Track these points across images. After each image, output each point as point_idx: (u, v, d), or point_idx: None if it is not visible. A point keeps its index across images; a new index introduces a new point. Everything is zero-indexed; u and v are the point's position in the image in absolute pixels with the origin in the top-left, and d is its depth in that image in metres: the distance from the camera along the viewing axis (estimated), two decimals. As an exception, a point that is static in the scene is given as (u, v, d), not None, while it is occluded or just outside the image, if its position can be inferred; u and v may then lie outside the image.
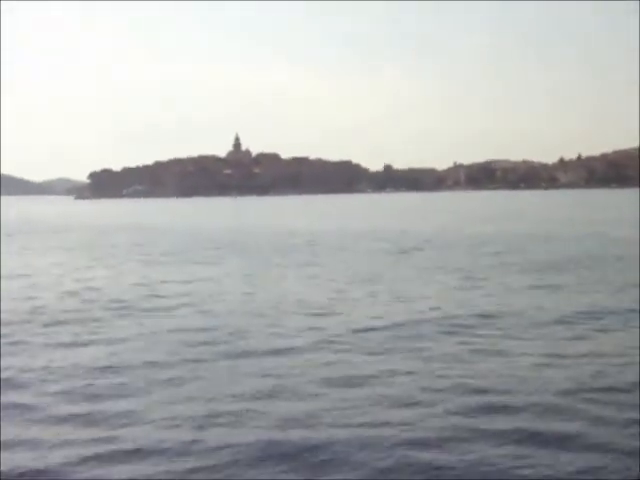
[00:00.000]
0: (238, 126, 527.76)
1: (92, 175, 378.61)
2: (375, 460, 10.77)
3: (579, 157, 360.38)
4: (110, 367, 16.06)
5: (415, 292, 26.74)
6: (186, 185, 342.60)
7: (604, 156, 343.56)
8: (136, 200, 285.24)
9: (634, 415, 12.21)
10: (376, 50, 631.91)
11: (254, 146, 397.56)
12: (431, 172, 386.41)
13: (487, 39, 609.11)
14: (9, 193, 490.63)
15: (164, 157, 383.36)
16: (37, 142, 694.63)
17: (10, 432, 12.01)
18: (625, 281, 27.97)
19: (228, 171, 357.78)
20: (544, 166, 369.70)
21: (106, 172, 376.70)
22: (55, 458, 11.03)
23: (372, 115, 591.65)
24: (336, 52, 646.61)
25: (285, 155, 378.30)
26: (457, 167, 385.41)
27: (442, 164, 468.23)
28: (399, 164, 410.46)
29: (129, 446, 11.39)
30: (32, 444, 11.57)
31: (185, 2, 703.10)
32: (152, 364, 16.27)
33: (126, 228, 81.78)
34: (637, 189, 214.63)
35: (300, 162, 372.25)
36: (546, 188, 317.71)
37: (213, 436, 11.75)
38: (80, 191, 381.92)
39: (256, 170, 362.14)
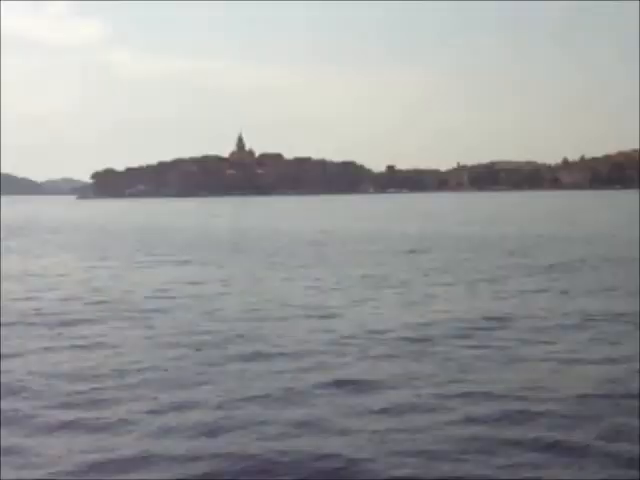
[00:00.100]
0: (241, 126, 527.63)
1: (95, 175, 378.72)
2: (389, 468, 10.44)
3: (582, 158, 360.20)
4: (116, 370, 15.74)
5: (426, 294, 26.38)
6: (189, 185, 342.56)
7: (608, 157, 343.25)
8: (139, 200, 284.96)
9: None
10: (379, 51, 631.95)
11: (257, 146, 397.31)
12: (434, 173, 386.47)
13: (490, 40, 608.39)
14: (11, 193, 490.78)
15: (167, 157, 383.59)
16: (39, 142, 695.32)
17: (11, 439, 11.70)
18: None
19: (231, 171, 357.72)
20: (547, 167, 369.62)
21: (109, 172, 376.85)
22: (60, 466, 10.71)
23: (376, 116, 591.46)
24: (338, 53, 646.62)
25: (288, 155, 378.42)
26: (460, 168, 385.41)
27: (445, 165, 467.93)
28: (402, 165, 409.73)
29: (134, 453, 11.06)
30: (34, 451, 11.25)
31: (187, 2, 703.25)
32: (159, 367, 15.96)
33: (130, 229, 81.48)
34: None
35: (303, 162, 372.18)
36: (549, 189, 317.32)
37: (222, 443, 11.42)
38: (83, 191, 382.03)
39: (259, 170, 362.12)
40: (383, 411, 12.74)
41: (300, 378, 14.89)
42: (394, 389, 14.07)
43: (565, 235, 55.42)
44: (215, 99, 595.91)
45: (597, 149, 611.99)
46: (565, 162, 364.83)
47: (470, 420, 12.20)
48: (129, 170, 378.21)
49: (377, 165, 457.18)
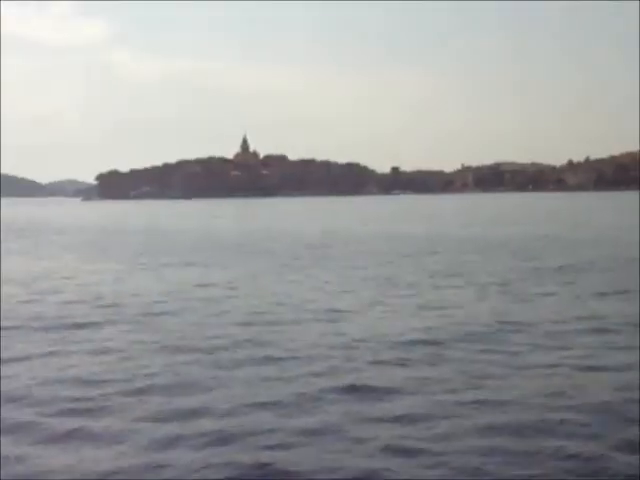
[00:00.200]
0: (246, 127, 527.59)
1: (100, 176, 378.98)
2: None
3: (587, 159, 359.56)
4: (124, 375, 15.50)
5: (436, 297, 26.02)
6: (193, 187, 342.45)
7: (613, 158, 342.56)
8: (143, 202, 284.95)
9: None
10: (381, 51, 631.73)
11: (262, 147, 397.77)
12: (439, 174, 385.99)
13: (491, 40, 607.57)
14: (15, 194, 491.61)
15: (171, 158, 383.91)
16: (43, 143, 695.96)
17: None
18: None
19: (236, 172, 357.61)
20: (552, 168, 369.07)
21: (114, 173, 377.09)
22: (64, 476, 10.46)
23: (380, 117, 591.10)
24: (341, 53, 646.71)
25: (293, 156, 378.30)
26: (465, 169, 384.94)
27: (450, 166, 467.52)
28: (407, 166, 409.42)
29: (142, 462, 10.81)
30: (37, 461, 10.98)
31: (191, 2, 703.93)
32: (166, 372, 15.70)
33: (136, 231, 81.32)
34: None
35: (308, 163, 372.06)
36: (554, 190, 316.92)
37: (232, 451, 11.18)
38: (87, 192, 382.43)
39: (264, 172, 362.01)
40: (397, 419, 12.45)
41: (311, 383, 14.61)
42: (408, 395, 13.77)
43: (572, 237, 55.16)
44: (219, 100, 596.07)
45: (602, 150, 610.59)
46: (570, 163, 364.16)
47: (486, 429, 11.89)
48: (133, 172, 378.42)
49: (381, 166, 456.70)
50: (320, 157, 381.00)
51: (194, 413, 12.92)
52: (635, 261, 35.80)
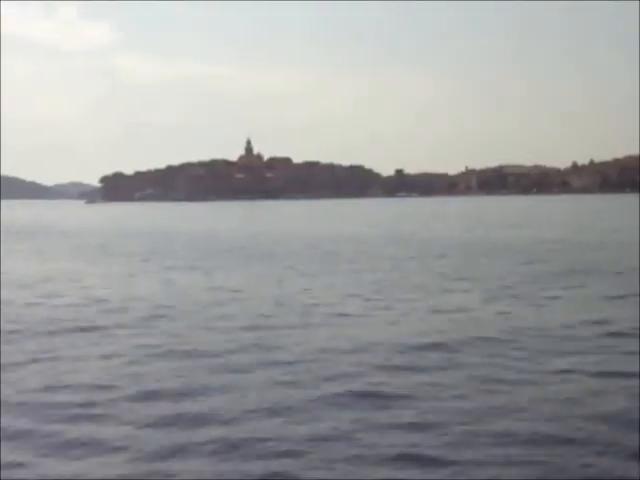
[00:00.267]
0: (250, 130, 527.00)
1: (104, 179, 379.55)
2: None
3: (592, 162, 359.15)
4: (129, 380, 15.28)
5: (446, 301, 25.65)
6: (198, 189, 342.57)
7: (617, 161, 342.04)
8: (148, 204, 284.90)
9: None
10: (385, 53, 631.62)
11: (266, 150, 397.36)
12: (443, 177, 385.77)
13: (495, 42, 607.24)
14: (20, 197, 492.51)
15: (176, 161, 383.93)
16: (48, 146, 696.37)
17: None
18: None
19: (240, 175, 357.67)
20: (556, 171, 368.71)
21: (118, 176, 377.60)
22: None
23: (382, 119, 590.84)
24: (345, 55, 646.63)
25: (297, 159, 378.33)
26: (469, 172, 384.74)
27: (454, 169, 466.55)
28: (411, 169, 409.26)
29: (146, 471, 10.60)
30: (38, 470, 10.76)
31: (195, 2, 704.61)
32: (175, 376, 15.48)
33: (141, 233, 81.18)
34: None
35: (312, 166, 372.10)
36: (558, 193, 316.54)
37: (239, 460, 10.93)
38: (92, 195, 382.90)
39: (268, 174, 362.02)
40: (409, 425, 12.17)
41: (320, 389, 14.34)
42: (420, 401, 13.48)
43: (579, 240, 54.83)
44: (223, 103, 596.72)
45: (606, 153, 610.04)
46: (574, 166, 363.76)
47: (500, 436, 11.59)
48: (137, 174, 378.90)
49: (386, 169, 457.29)
50: (324, 160, 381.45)
51: (202, 419, 12.68)
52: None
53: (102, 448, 11.46)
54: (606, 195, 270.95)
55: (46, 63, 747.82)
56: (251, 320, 22.10)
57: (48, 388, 14.69)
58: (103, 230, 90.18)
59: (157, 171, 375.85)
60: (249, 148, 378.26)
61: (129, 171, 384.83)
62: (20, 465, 10.80)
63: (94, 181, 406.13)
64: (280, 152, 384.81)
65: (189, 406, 13.39)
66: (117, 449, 11.39)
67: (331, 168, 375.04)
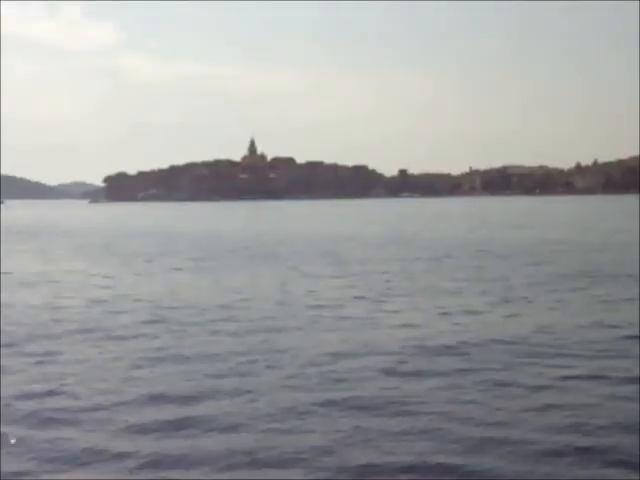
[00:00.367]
0: (253, 130, 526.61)
1: (107, 179, 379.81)
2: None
3: (595, 162, 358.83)
4: (140, 378, 15.10)
5: (456, 303, 25.12)
6: (201, 189, 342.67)
7: (621, 162, 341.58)
8: (151, 204, 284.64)
9: None
10: (388, 53, 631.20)
11: (269, 150, 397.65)
12: (447, 177, 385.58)
13: (495, 42, 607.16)
14: (24, 196, 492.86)
15: (179, 161, 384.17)
16: (52, 145, 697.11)
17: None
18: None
19: (243, 175, 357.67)
20: (560, 172, 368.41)
21: (121, 176, 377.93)
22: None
23: (384, 119, 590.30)
24: (348, 55, 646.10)
25: (300, 159, 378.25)
26: (473, 173, 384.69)
27: (458, 169, 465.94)
28: (415, 169, 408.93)
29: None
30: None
31: (198, 2, 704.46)
32: (186, 378, 15.26)
33: (145, 233, 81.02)
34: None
35: (315, 166, 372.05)
36: (562, 194, 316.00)
37: (249, 466, 10.72)
38: (95, 195, 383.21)
39: (271, 174, 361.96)
40: (423, 432, 11.89)
41: (330, 393, 14.06)
42: (432, 407, 13.15)
43: (585, 241, 54.44)
44: (226, 103, 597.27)
45: (610, 153, 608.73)
46: (578, 167, 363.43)
47: (515, 446, 11.18)
48: (141, 174, 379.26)
49: (389, 169, 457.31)
50: (327, 160, 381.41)
51: (209, 423, 12.44)
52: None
53: (105, 455, 11.17)
54: (610, 196, 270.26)
55: (50, 63, 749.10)
56: (257, 322, 21.78)
57: (50, 393, 14.36)
58: (107, 230, 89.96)
59: (160, 171, 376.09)
60: (253, 148, 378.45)
61: (132, 171, 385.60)
62: (20, 474, 10.53)
63: (97, 181, 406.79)
64: (283, 152, 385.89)
65: (196, 410, 13.10)
66: (120, 455, 11.16)
67: (334, 168, 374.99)
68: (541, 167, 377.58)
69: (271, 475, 10.42)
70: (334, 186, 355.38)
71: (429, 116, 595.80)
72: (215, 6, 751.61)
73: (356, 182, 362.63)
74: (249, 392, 14.20)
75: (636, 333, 19.02)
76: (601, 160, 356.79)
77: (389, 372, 15.67)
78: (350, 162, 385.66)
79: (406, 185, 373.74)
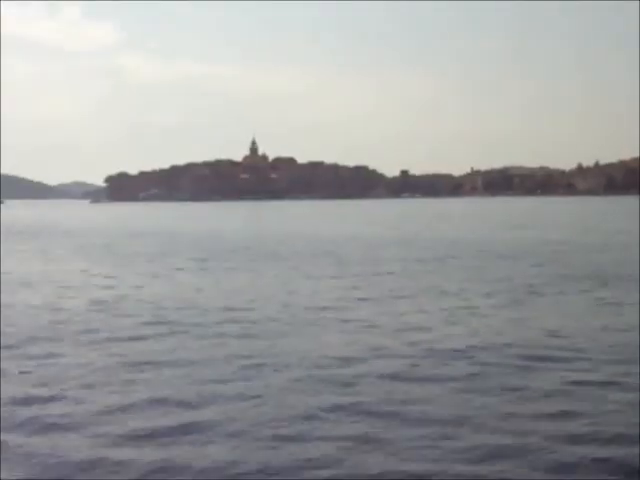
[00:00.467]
0: (254, 130, 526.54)
1: (108, 179, 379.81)
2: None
3: (597, 164, 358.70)
4: (146, 381, 14.80)
5: (464, 306, 24.71)
6: (202, 189, 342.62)
7: (622, 163, 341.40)
8: (152, 204, 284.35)
9: None
10: (388, 53, 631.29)
11: (270, 150, 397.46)
12: (448, 178, 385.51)
13: (495, 42, 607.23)
14: (25, 196, 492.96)
15: (180, 161, 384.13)
16: (52, 145, 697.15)
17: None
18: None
19: (244, 175, 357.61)
20: (561, 173, 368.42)
21: (122, 176, 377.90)
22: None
23: (385, 119, 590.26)
24: (349, 55, 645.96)
25: (301, 159, 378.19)
26: (474, 173, 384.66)
27: (459, 170, 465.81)
28: (416, 169, 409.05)
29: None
30: None
31: (199, 2, 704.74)
32: (190, 382, 14.99)
33: (147, 233, 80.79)
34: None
35: (316, 167, 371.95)
36: (564, 195, 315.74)
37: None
38: (96, 195, 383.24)
39: (272, 175, 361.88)
40: (431, 440, 11.59)
41: (337, 398, 13.76)
42: (443, 412, 12.80)
43: (589, 242, 54.12)
44: (227, 103, 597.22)
45: (611, 155, 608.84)
46: (579, 168, 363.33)
47: (536, 461, 10.72)
48: (142, 174, 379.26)
49: (390, 170, 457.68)
50: (328, 160, 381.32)
51: (215, 427, 12.21)
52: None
53: (108, 462, 10.87)
54: (611, 197, 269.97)
55: (50, 63, 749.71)
56: (262, 325, 21.49)
57: (51, 397, 14.03)
58: (108, 230, 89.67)
59: (162, 171, 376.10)
60: (254, 148, 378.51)
61: (133, 171, 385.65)
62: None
63: (98, 181, 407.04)
64: (284, 152, 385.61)
65: (201, 415, 12.83)
66: (123, 463, 10.86)
67: (335, 168, 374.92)
68: (542, 168, 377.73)
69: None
70: (335, 186, 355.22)
71: (429, 116, 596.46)
72: (215, 6, 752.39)
73: (357, 182, 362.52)
74: (256, 397, 13.91)
75: None
76: (602, 161, 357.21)
77: (397, 376, 15.33)
78: (351, 162, 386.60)
79: (407, 185, 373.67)
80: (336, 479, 10.24)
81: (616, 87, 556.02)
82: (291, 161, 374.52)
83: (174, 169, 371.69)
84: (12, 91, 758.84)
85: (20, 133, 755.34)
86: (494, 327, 20.77)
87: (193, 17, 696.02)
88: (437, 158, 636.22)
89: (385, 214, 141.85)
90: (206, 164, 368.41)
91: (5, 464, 10.79)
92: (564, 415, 12.71)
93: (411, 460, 10.82)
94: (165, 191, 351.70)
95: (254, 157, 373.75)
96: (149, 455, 11.07)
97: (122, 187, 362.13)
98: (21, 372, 16.01)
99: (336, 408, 13.15)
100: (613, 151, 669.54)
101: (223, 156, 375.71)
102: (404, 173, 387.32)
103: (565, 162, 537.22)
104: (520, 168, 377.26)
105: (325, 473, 10.41)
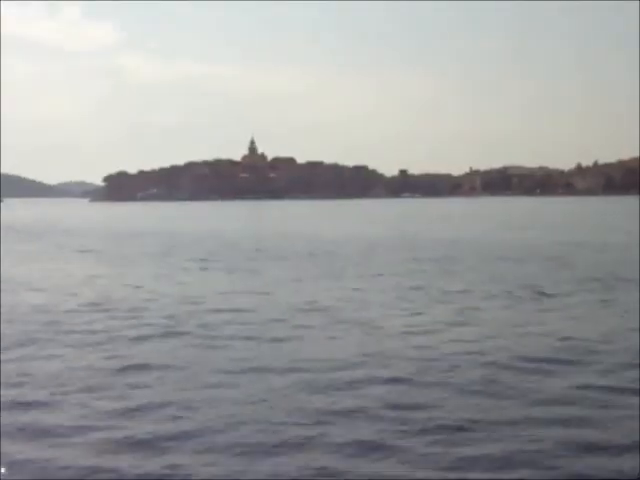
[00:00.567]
0: (253, 130, 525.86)
1: (107, 178, 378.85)
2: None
3: (596, 163, 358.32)
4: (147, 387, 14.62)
5: (473, 307, 24.40)
6: (202, 189, 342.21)
7: (621, 163, 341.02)
8: (151, 204, 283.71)
9: None
10: (388, 53, 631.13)
11: (269, 150, 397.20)
12: (447, 178, 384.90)
13: (495, 42, 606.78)
14: (24, 195, 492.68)
15: (180, 160, 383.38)
16: (52, 145, 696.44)
17: None
18: None
19: (244, 175, 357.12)
20: (560, 172, 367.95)
21: (122, 175, 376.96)
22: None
23: (385, 119, 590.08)
24: (349, 55, 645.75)
25: (301, 159, 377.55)
26: (473, 173, 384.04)
27: (458, 170, 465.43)
28: (415, 169, 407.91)
29: None
30: None
31: (198, 2, 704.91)
32: (202, 382, 14.93)
33: (146, 233, 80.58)
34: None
35: (315, 166, 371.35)
36: (563, 195, 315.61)
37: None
38: (95, 194, 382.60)
39: (271, 174, 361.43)
40: (444, 447, 11.37)
41: (348, 401, 13.57)
42: (461, 423, 12.44)
43: (596, 243, 53.68)
44: (226, 103, 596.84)
45: (610, 154, 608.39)
46: (578, 167, 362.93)
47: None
48: (141, 173, 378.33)
49: (390, 169, 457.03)
50: (328, 160, 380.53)
51: (227, 426, 12.18)
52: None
53: (105, 469, 10.72)
54: (610, 197, 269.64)
55: (50, 63, 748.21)
56: (268, 326, 21.30)
57: (46, 403, 13.76)
58: (110, 230, 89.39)
59: (161, 170, 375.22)
60: (253, 148, 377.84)
61: (133, 170, 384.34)
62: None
63: (98, 180, 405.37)
64: (284, 152, 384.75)
65: (203, 419, 12.66)
66: (120, 469, 10.69)
67: (335, 168, 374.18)
68: (541, 168, 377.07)
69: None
70: (335, 186, 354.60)
71: (429, 116, 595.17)
72: (215, 6, 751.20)
73: (356, 182, 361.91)
74: (263, 400, 13.75)
75: None
76: (601, 161, 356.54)
77: (404, 381, 15.10)
78: (350, 162, 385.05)
79: (407, 185, 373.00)
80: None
81: (616, 87, 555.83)
82: (291, 161, 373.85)
83: (174, 168, 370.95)
84: (12, 91, 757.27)
85: (20, 133, 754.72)
86: (503, 330, 20.47)
87: (193, 17, 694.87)
88: (436, 158, 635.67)
89: (385, 214, 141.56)
90: (206, 163, 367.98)
91: (3, 470, 10.59)
92: (577, 421, 12.48)
93: (421, 468, 10.64)
94: (164, 190, 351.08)
95: (253, 157, 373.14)
96: (149, 462, 10.90)
97: (121, 186, 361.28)
98: (19, 374, 15.77)
99: (343, 413, 12.95)
100: (612, 151, 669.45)
101: (223, 156, 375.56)
102: (403, 173, 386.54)
103: (564, 162, 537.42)
104: (519, 168, 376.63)
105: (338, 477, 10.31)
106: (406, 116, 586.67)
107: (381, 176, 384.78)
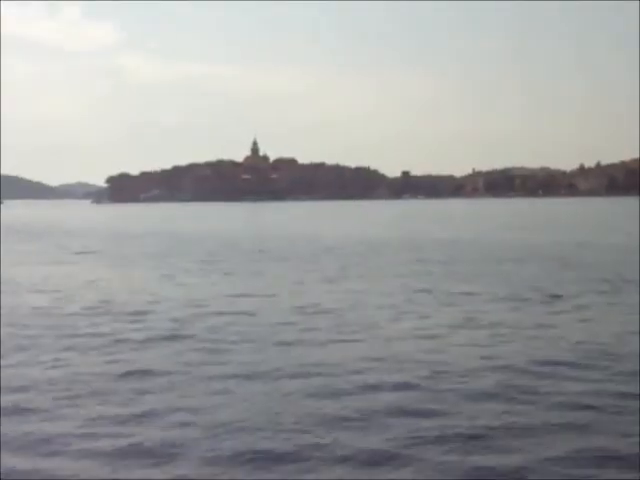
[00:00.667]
0: (255, 130, 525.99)
1: (110, 179, 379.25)
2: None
3: (598, 164, 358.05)
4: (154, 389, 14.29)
5: (482, 310, 23.92)
6: (204, 190, 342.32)
7: (624, 163, 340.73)
8: (154, 205, 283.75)
9: None
10: (388, 53, 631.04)
11: (271, 151, 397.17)
12: (449, 179, 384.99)
13: (495, 42, 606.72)
14: (26, 197, 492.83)
15: (182, 162, 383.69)
16: (54, 146, 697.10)
17: None
18: None
19: (246, 176, 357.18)
20: (563, 173, 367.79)
21: (124, 176, 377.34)
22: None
23: (386, 120, 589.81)
24: (350, 55, 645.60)
25: (302, 160, 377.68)
26: (476, 174, 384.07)
27: (460, 171, 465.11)
28: (417, 170, 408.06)
29: None
30: None
31: (198, 2, 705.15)
32: (208, 386, 14.65)
33: (148, 233, 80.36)
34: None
35: (317, 167, 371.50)
36: (565, 195, 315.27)
37: None
38: (98, 195, 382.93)
39: (273, 175, 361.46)
40: (460, 455, 10.99)
41: (360, 404, 13.22)
42: (477, 430, 12.08)
43: (601, 244, 53.36)
44: (227, 103, 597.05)
45: (613, 155, 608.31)
46: (581, 168, 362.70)
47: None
48: (144, 174, 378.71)
49: (392, 170, 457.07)
50: (330, 161, 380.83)
51: (234, 430, 11.94)
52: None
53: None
54: (613, 198, 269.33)
55: (50, 63, 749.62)
56: (276, 329, 20.96)
57: (46, 410, 13.39)
58: (113, 231, 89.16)
59: (163, 171, 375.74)
60: (255, 149, 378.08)
61: (134, 171, 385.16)
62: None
63: (100, 181, 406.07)
64: (285, 153, 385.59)
65: (218, 421, 12.43)
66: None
67: (337, 169, 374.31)
68: (543, 169, 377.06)
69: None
70: (336, 187, 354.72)
71: (429, 116, 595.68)
72: (215, 6, 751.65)
73: (358, 183, 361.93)
74: (270, 406, 13.39)
75: None
76: (604, 162, 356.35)
77: (414, 387, 14.72)
78: (352, 163, 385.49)
79: (409, 186, 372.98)
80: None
81: (616, 87, 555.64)
82: (292, 161, 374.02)
83: (176, 169, 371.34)
84: (12, 91, 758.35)
85: (20, 133, 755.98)
86: (514, 333, 20.09)
87: (193, 17, 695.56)
88: (438, 159, 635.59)
89: (387, 215, 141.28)
90: (208, 164, 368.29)
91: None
92: (595, 427, 12.15)
93: (437, 478, 10.30)
94: (167, 191, 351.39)
95: (255, 157, 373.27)
96: (155, 470, 10.59)
97: (123, 187, 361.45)
98: (20, 380, 15.39)
99: (353, 420, 12.62)
100: (615, 151, 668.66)
101: (225, 156, 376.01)
102: (405, 174, 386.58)
103: (566, 163, 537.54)
104: (521, 169, 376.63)
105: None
106: (406, 116, 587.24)
107: (383, 177, 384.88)
